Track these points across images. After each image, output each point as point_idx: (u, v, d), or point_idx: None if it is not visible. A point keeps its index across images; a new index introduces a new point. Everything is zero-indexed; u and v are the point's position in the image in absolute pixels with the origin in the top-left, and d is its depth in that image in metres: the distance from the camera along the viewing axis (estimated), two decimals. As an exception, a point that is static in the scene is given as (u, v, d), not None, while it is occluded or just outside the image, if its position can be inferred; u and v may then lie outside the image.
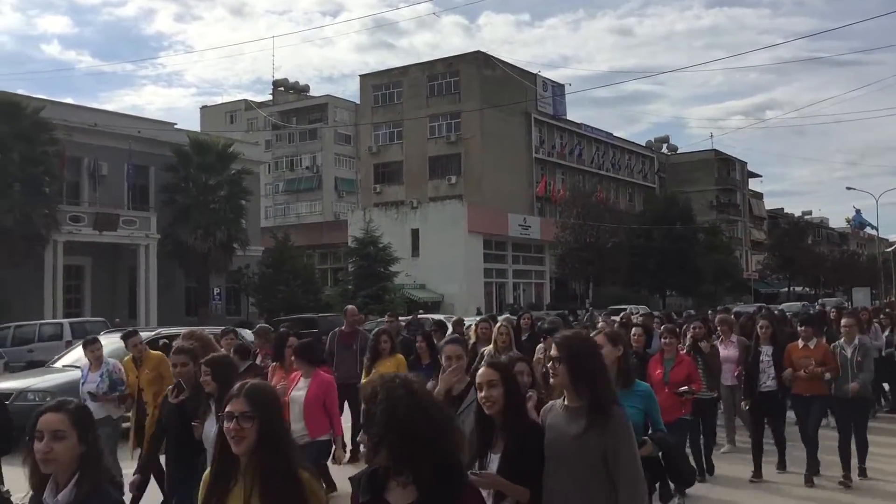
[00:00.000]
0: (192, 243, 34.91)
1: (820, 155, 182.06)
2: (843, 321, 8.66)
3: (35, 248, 29.90)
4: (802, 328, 8.50)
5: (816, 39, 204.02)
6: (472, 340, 8.79)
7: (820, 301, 50.78)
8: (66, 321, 25.16)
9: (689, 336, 9.13)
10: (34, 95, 32.50)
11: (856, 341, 8.30)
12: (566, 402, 3.36)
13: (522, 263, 54.17)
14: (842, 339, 8.44)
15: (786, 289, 73.55)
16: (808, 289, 77.77)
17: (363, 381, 6.98)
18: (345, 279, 40.44)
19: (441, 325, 11.05)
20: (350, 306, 11.56)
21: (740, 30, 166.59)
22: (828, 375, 8.18)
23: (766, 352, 8.63)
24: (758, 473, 8.55)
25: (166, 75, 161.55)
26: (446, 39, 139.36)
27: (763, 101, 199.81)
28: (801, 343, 8.39)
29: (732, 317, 12.31)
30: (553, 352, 3.40)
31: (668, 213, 54.88)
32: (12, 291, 28.52)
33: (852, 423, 8.37)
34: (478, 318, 11.79)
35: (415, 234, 47.96)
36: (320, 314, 29.44)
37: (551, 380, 3.53)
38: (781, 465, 8.82)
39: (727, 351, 9.85)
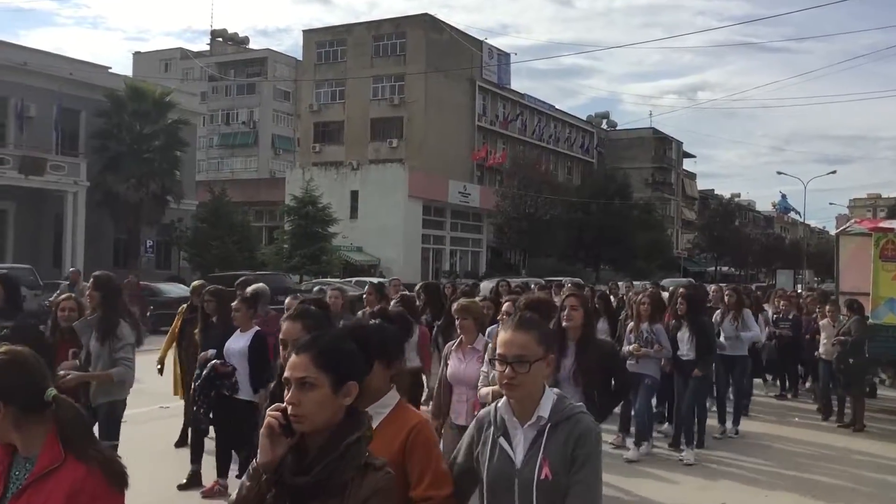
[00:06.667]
0: (123, 193, 33.66)
1: (747, 138, 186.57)
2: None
3: (-45, 190, 28.45)
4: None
5: (750, 25, 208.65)
6: None
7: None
8: (-12, 267, 23.92)
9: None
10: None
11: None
12: None
13: (460, 231, 54.03)
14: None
15: (713, 268, 75.41)
16: (734, 269, 79.95)
17: None
18: (281, 238, 39.61)
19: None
20: None
21: (677, 9, 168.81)
22: None
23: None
24: None
25: (91, 17, 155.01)
26: None
27: (696, 82, 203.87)
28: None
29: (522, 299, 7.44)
30: None
31: (606, 189, 55.54)
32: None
33: None
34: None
35: (354, 195, 47.22)
36: (258, 272, 28.69)
37: None
38: None
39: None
